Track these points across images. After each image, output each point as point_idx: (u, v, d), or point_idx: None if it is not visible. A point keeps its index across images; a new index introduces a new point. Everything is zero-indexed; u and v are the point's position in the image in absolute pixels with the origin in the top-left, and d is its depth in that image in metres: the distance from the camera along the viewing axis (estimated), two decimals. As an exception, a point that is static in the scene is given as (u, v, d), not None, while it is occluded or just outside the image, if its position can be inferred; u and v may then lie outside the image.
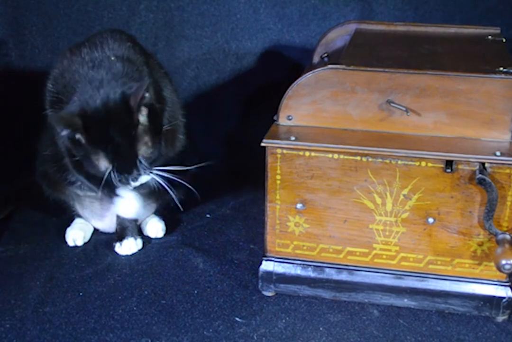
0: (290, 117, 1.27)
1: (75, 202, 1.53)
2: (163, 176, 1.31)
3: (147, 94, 1.26)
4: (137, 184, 1.30)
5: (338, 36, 1.58)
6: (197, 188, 1.40)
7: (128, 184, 1.29)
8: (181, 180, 1.33)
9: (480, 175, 1.16)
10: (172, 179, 1.32)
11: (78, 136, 1.23)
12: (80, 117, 1.22)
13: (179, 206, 1.41)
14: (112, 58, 1.30)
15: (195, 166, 1.37)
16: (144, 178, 1.30)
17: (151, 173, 1.30)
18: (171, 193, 1.34)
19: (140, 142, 1.26)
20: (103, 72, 1.27)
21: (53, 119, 1.22)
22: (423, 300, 1.29)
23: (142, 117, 1.26)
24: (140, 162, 1.27)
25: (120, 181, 1.27)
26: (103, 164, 1.25)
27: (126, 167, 1.26)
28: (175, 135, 1.43)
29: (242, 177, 1.84)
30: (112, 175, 1.26)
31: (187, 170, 1.35)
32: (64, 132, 1.23)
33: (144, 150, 1.27)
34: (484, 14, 1.86)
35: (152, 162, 1.30)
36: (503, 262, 1.13)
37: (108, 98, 1.23)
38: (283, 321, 1.28)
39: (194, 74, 1.93)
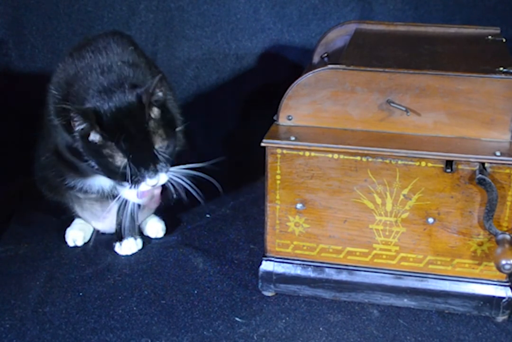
0: (290, 117, 1.27)
1: (74, 204, 1.53)
2: (182, 174, 1.31)
3: (160, 94, 1.26)
4: (154, 181, 1.27)
5: (338, 36, 1.58)
6: (197, 187, 1.39)
7: (144, 180, 1.26)
8: (201, 174, 1.32)
9: (480, 175, 1.16)
10: (190, 176, 1.32)
11: (91, 133, 1.23)
12: (94, 113, 1.22)
13: (200, 200, 1.35)
14: (119, 63, 1.30)
15: (211, 162, 1.36)
16: (162, 178, 1.28)
17: (168, 171, 1.29)
18: (192, 190, 1.33)
19: (155, 134, 1.25)
20: (113, 78, 1.27)
21: (72, 111, 1.21)
22: (423, 300, 1.29)
23: (155, 113, 1.26)
24: (157, 156, 1.25)
25: (136, 177, 1.25)
26: (118, 158, 1.24)
27: (143, 159, 1.25)
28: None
29: (242, 177, 1.84)
30: (128, 171, 1.24)
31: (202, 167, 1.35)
32: (80, 126, 1.22)
33: (159, 141, 1.26)
34: (484, 14, 1.86)
35: (169, 158, 1.29)
36: (503, 262, 1.13)
37: (120, 99, 1.24)
38: (283, 321, 1.28)
39: (194, 74, 1.93)
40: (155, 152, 1.25)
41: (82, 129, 1.23)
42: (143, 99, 1.23)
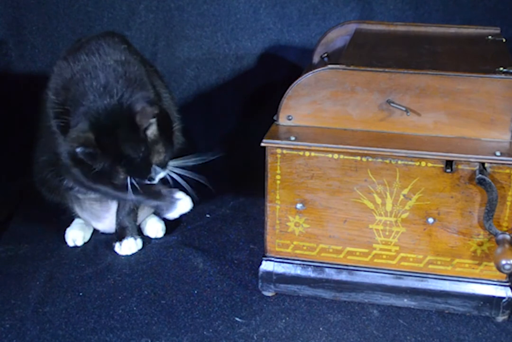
0: (290, 117, 1.27)
1: (74, 204, 1.54)
2: (178, 173, 1.33)
3: (155, 111, 1.26)
4: (154, 182, 1.32)
5: (338, 36, 1.58)
6: (197, 187, 1.40)
7: (144, 183, 1.31)
8: (196, 175, 1.34)
9: (480, 175, 1.16)
10: (186, 175, 1.33)
11: (92, 150, 1.24)
12: (92, 132, 1.22)
13: (208, 185, 1.37)
14: (111, 62, 1.30)
15: (209, 157, 1.36)
16: (160, 176, 1.32)
17: (165, 168, 1.32)
18: (186, 186, 1.34)
19: (153, 151, 1.27)
20: (106, 79, 1.26)
21: (70, 141, 1.23)
22: (423, 300, 1.29)
23: (152, 130, 1.26)
24: (156, 168, 1.29)
25: (137, 182, 1.30)
26: (121, 174, 1.27)
27: (142, 174, 1.29)
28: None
29: (242, 177, 1.84)
30: (129, 181, 1.28)
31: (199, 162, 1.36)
32: (79, 150, 1.23)
33: (157, 157, 1.29)
34: (484, 14, 1.86)
35: (166, 163, 1.32)
36: (503, 262, 1.13)
37: (115, 112, 1.24)
38: (283, 321, 1.28)
39: (194, 74, 1.93)
40: (154, 166, 1.29)
41: (85, 153, 1.24)
42: (137, 120, 1.23)
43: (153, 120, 1.25)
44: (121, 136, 1.24)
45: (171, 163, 1.33)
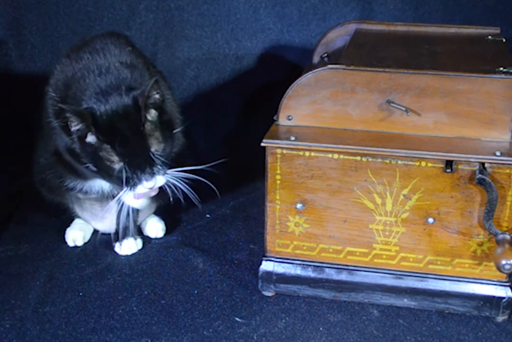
0: (290, 117, 1.27)
1: (74, 204, 1.53)
2: (179, 177, 1.30)
3: (157, 96, 1.26)
4: (151, 184, 1.27)
5: (338, 36, 1.58)
6: (197, 187, 1.39)
7: (141, 183, 1.26)
8: (199, 178, 1.32)
9: (480, 175, 1.16)
10: (188, 178, 1.31)
11: (88, 135, 1.23)
12: (90, 114, 1.21)
13: (199, 206, 1.37)
14: (116, 64, 1.30)
15: (211, 164, 1.35)
16: (159, 180, 1.27)
17: (166, 174, 1.28)
18: (190, 193, 1.32)
19: (151, 137, 1.25)
20: (111, 79, 1.26)
21: (68, 112, 1.21)
22: (423, 300, 1.29)
23: (151, 115, 1.26)
24: (153, 159, 1.25)
25: (133, 180, 1.25)
26: (114, 161, 1.24)
27: (139, 162, 1.24)
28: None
29: (242, 177, 1.84)
30: (124, 174, 1.23)
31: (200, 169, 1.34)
32: (76, 127, 1.22)
33: (156, 144, 1.26)
34: (484, 14, 1.86)
35: (166, 160, 1.28)
36: (503, 262, 1.13)
37: (116, 101, 1.23)
38: (283, 321, 1.28)
39: (194, 74, 1.94)
40: (151, 155, 1.25)
41: (78, 130, 1.23)
42: (139, 102, 1.23)
43: (156, 95, 1.24)
44: (119, 117, 1.22)
45: (170, 171, 1.29)
